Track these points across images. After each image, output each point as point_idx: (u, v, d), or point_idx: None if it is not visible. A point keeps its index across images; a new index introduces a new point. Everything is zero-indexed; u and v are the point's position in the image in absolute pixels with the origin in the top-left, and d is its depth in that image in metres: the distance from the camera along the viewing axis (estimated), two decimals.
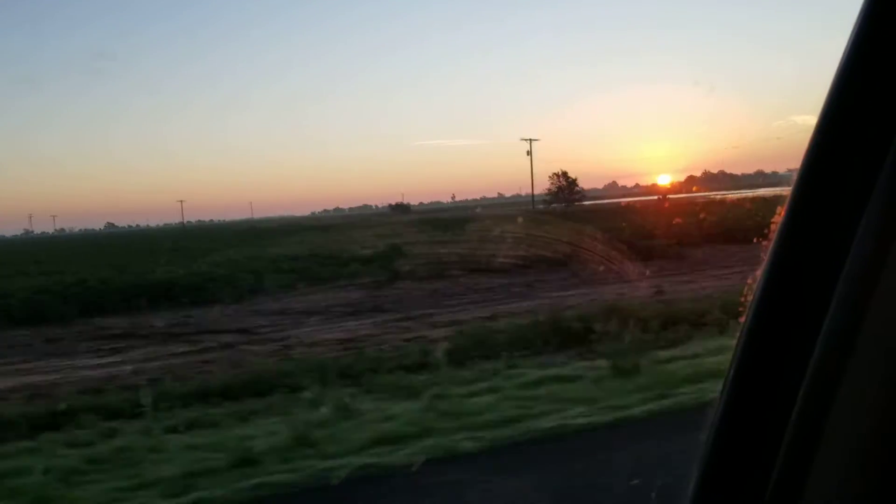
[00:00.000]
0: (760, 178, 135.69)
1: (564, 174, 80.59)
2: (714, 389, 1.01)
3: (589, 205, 76.32)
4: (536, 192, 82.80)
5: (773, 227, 0.97)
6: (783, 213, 0.95)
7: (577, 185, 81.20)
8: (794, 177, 0.94)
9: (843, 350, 0.87)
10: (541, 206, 75.06)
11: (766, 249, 0.97)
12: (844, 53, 0.89)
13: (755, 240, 1.08)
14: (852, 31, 0.89)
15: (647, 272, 18.05)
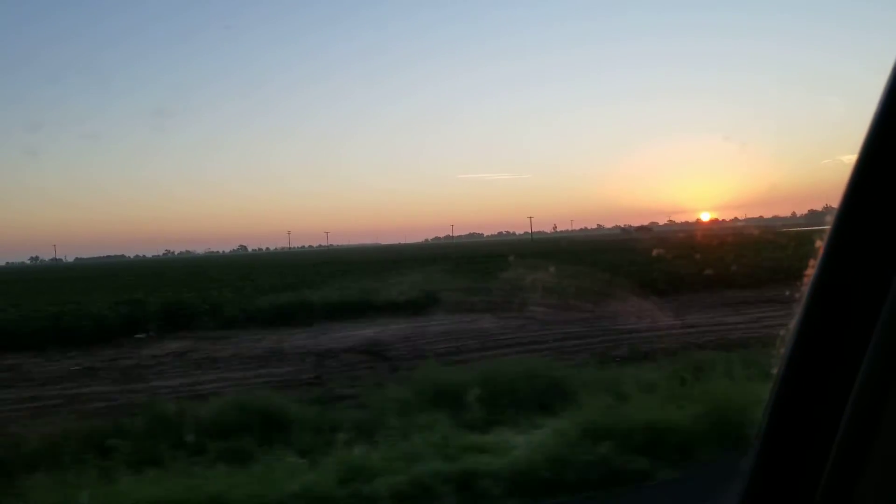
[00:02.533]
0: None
1: None
2: None
3: None
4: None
5: (811, 265, 0.99)
6: (821, 251, 0.97)
7: None
8: (832, 217, 0.96)
9: (881, 388, 0.87)
10: None
11: (805, 285, 0.99)
12: (883, 95, 0.91)
13: None
14: (891, 73, 0.91)
15: None
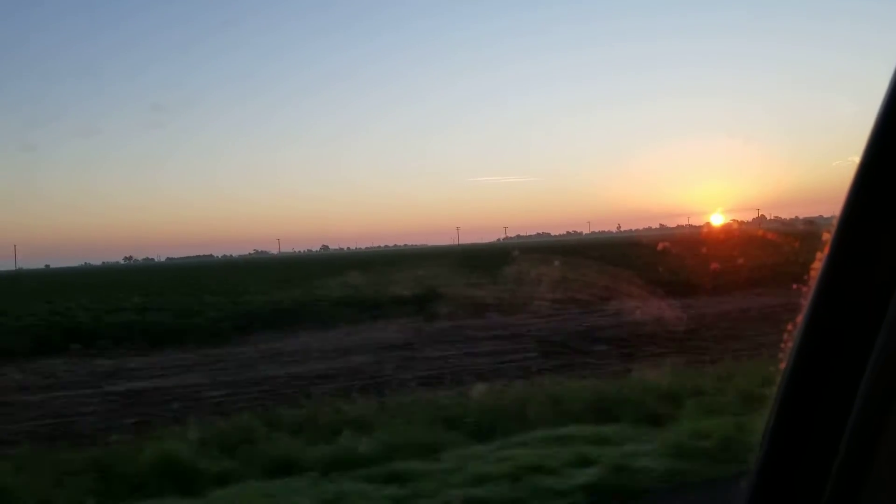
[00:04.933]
0: None
1: None
2: None
3: None
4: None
5: (812, 272, 1.01)
6: (825, 254, 0.98)
7: None
8: (835, 220, 0.98)
9: (888, 387, 0.87)
10: None
11: (807, 294, 1.00)
12: (886, 93, 0.92)
13: None
14: (894, 72, 0.91)
15: None
